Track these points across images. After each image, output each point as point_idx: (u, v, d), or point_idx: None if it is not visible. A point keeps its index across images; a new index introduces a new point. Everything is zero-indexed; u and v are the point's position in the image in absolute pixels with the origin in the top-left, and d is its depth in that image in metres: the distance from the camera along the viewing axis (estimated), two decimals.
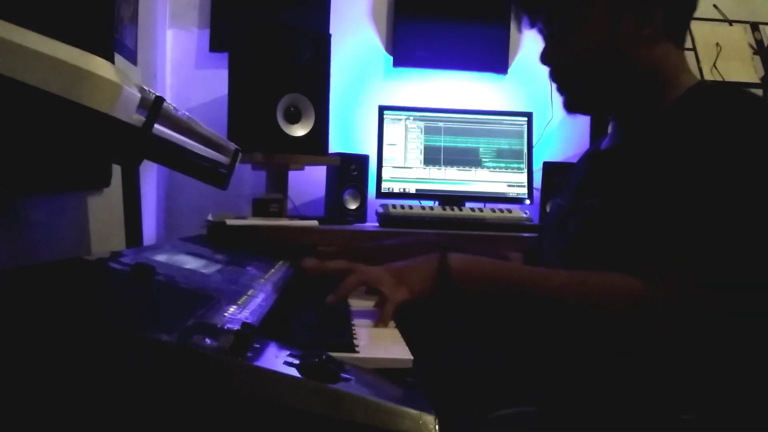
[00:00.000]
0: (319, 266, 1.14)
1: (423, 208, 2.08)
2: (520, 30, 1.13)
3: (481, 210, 2.08)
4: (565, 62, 1.04)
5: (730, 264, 0.82)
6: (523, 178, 2.29)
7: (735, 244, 0.82)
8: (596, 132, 2.20)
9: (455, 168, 2.26)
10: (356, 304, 1.14)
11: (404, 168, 2.25)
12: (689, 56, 2.32)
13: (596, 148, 1.15)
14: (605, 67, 1.01)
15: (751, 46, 2.40)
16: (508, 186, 2.28)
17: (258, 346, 0.60)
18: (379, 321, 1.00)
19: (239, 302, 0.84)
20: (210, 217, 1.88)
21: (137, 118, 0.80)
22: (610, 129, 1.12)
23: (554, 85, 1.08)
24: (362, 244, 1.44)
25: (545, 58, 1.06)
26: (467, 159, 2.27)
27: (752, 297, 0.83)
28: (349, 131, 2.41)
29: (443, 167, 2.26)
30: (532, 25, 1.08)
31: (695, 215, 0.84)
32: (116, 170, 1.39)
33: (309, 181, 2.34)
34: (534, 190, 2.28)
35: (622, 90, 1.02)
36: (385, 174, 2.24)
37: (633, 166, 0.96)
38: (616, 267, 0.89)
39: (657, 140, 0.95)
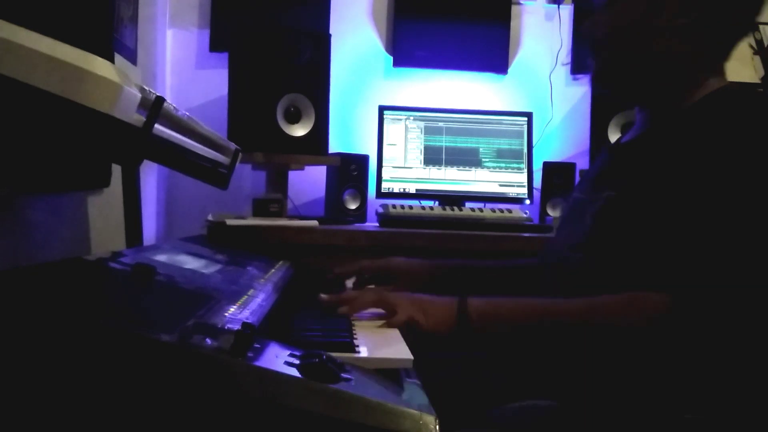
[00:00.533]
0: (335, 298, 1.07)
1: (423, 208, 2.08)
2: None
3: (481, 210, 2.08)
4: (601, 32, 1.06)
5: (743, 272, 0.82)
6: (523, 178, 2.29)
7: (749, 252, 0.83)
8: (596, 132, 2.20)
9: (455, 168, 2.26)
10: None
11: (404, 168, 2.25)
12: None
13: (618, 141, 1.17)
14: (632, 47, 1.02)
15: (751, 46, 2.40)
16: (508, 186, 2.28)
17: (258, 346, 0.60)
18: (387, 325, 0.99)
19: (239, 302, 0.84)
20: (210, 217, 1.88)
21: (137, 118, 0.80)
22: (635, 123, 1.13)
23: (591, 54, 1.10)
24: (373, 262, 1.39)
25: (586, 26, 1.09)
26: (467, 159, 2.27)
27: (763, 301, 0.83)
28: (349, 131, 2.41)
29: (443, 167, 2.26)
30: None
31: (709, 222, 0.85)
32: (116, 170, 1.39)
33: (309, 181, 2.34)
34: (534, 190, 2.28)
35: (646, 75, 1.03)
36: (385, 174, 2.24)
37: (651, 162, 0.97)
38: (629, 269, 0.90)
39: (677, 138, 0.96)
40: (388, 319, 0.99)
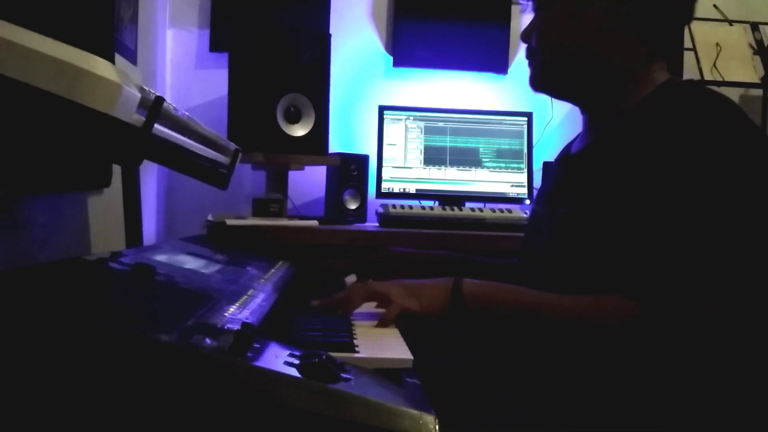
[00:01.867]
0: (326, 301, 1.09)
1: (423, 208, 2.08)
2: (524, 8, 1.17)
3: (481, 210, 2.08)
4: (533, 39, 1.06)
5: (714, 271, 0.81)
6: (523, 178, 2.29)
7: (716, 250, 0.82)
8: None
9: (455, 168, 2.26)
10: None
11: (404, 168, 2.25)
12: (689, 56, 2.33)
13: (568, 151, 1.15)
14: (565, 48, 1.02)
15: (751, 46, 2.41)
16: (508, 186, 2.28)
17: (258, 346, 0.60)
18: (381, 322, 1.00)
19: (239, 302, 0.84)
20: (210, 217, 1.88)
21: (137, 118, 0.80)
22: (581, 129, 1.12)
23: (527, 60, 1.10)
24: (368, 255, 1.42)
25: (523, 34, 1.09)
26: (467, 159, 2.27)
27: (744, 297, 0.82)
28: (349, 131, 2.41)
29: (443, 167, 2.26)
30: (528, 4, 1.12)
31: (670, 222, 0.84)
32: (116, 170, 1.38)
33: (309, 181, 2.34)
34: (534, 190, 2.28)
35: (583, 76, 1.03)
36: (385, 174, 2.24)
37: (602, 172, 0.96)
38: (595, 280, 0.90)
39: (625, 143, 0.95)
40: (384, 312, 1.00)
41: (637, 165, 0.89)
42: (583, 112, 1.10)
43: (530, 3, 1.11)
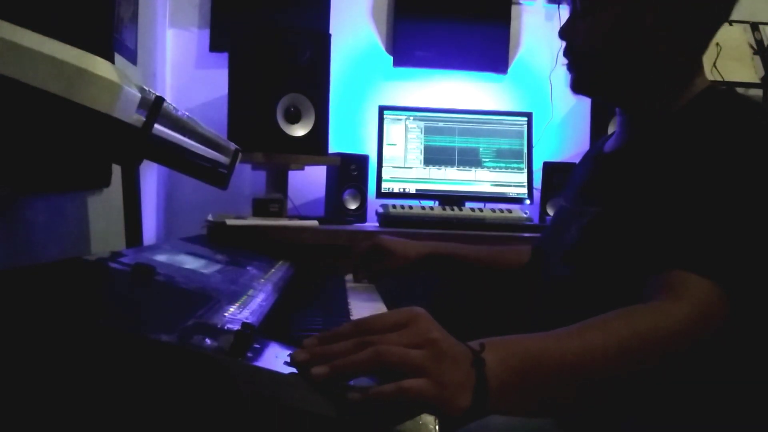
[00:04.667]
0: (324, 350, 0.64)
1: (423, 208, 2.08)
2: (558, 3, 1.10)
3: (481, 210, 2.08)
4: (581, 40, 1.03)
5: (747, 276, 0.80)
6: (523, 178, 2.29)
7: (746, 256, 0.80)
8: (596, 132, 2.20)
9: (455, 168, 2.27)
10: (356, 304, 1.14)
11: (404, 168, 2.25)
12: None
13: (600, 149, 1.14)
14: (617, 52, 1.00)
15: (751, 46, 2.41)
16: (508, 186, 2.28)
17: (258, 346, 0.60)
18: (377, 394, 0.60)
19: (239, 302, 0.84)
20: (210, 217, 1.88)
21: (137, 118, 0.80)
22: (617, 128, 1.11)
23: (565, 61, 1.07)
24: (362, 245, 1.45)
25: (564, 32, 1.06)
26: (467, 159, 2.27)
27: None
28: (349, 131, 2.41)
29: (443, 167, 2.26)
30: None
31: (707, 229, 0.82)
32: (116, 170, 1.39)
33: (309, 181, 2.34)
34: (534, 190, 2.28)
35: (630, 80, 1.01)
36: (385, 174, 2.24)
37: (638, 174, 0.95)
38: (619, 283, 0.85)
39: (663, 147, 0.94)
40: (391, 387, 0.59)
41: (675, 169, 0.89)
42: (622, 113, 1.09)
43: (571, 2, 1.06)
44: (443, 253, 1.38)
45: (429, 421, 0.56)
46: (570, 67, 1.06)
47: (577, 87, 1.06)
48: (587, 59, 1.03)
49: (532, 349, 0.68)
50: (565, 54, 1.06)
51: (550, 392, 0.68)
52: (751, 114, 0.91)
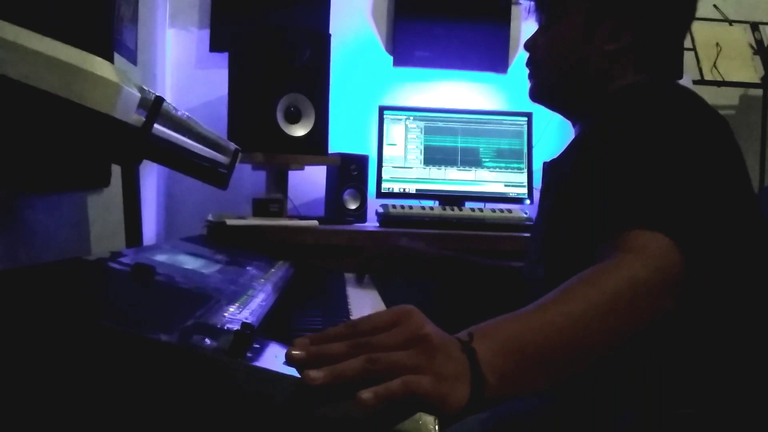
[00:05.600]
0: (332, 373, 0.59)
1: (423, 208, 2.08)
2: (524, 17, 1.20)
3: (481, 210, 2.08)
4: (540, 51, 1.10)
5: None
6: (523, 178, 2.29)
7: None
8: None
9: (455, 168, 2.27)
10: (356, 304, 1.14)
11: (404, 168, 2.25)
12: (689, 56, 2.33)
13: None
14: (567, 65, 1.06)
15: (751, 46, 2.40)
16: (508, 186, 2.28)
17: (258, 346, 0.60)
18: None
19: (239, 302, 0.84)
20: (210, 217, 1.88)
21: (137, 118, 0.80)
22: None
23: (528, 71, 1.14)
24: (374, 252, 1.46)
25: (526, 44, 1.13)
26: (467, 159, 2.27)
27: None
28: (349, 131, 2.41)
29: (443, 167, 2.26)
30: (532, 13, 1.14)
31: (639, 184, 0.82)
32: (116, 170, 1.38)
33: (309, 181, 2.34)
34: (534, 190, 2.28)
35: (577, 92, 1.07)
36: (385, 174, 2.24)
37: (572, 161, 0.99)
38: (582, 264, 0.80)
39: (592, 129, 0.98)
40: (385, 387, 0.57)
41: (602, 143, 0.91)
42: (574, 124, 1.14)
43: (534, 13, 1.13)
44: (452, 258, 1.40)
45: (429, 420, 0.56)
46: (529, 77, 1.13)
47: (533, 95, 1.13)
48: (543, 70, 1.10)
49: (515, 330, 0.68)
50: (527, 64, 1.14)
51: (543, 368, 0.68)
52: (671, 86, 0.96)
